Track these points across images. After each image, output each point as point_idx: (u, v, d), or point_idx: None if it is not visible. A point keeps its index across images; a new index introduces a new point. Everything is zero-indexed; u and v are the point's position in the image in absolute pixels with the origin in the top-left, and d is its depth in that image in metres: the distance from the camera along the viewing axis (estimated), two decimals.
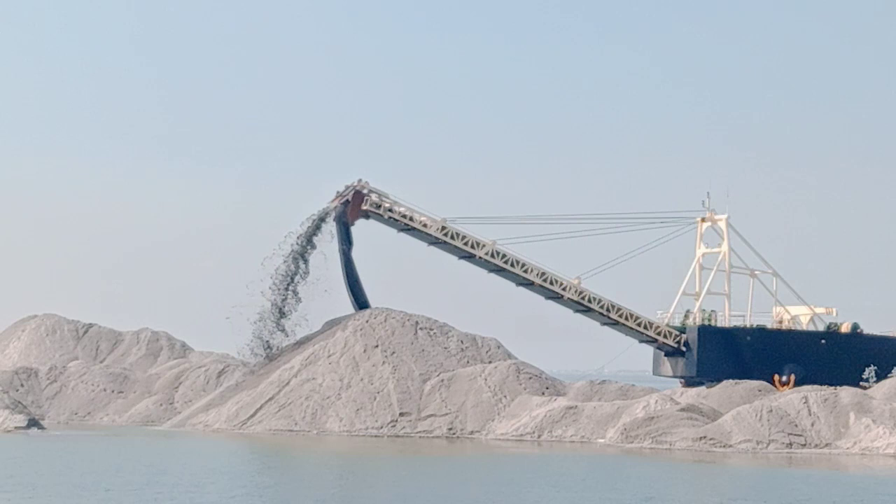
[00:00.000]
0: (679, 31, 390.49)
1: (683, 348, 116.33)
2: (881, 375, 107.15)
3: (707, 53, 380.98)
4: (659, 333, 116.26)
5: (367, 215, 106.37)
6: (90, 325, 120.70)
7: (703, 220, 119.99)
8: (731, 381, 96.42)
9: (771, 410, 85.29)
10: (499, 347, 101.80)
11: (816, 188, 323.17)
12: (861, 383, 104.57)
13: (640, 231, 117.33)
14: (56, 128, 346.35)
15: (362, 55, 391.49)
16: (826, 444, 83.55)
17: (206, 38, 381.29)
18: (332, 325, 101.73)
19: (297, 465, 72.40)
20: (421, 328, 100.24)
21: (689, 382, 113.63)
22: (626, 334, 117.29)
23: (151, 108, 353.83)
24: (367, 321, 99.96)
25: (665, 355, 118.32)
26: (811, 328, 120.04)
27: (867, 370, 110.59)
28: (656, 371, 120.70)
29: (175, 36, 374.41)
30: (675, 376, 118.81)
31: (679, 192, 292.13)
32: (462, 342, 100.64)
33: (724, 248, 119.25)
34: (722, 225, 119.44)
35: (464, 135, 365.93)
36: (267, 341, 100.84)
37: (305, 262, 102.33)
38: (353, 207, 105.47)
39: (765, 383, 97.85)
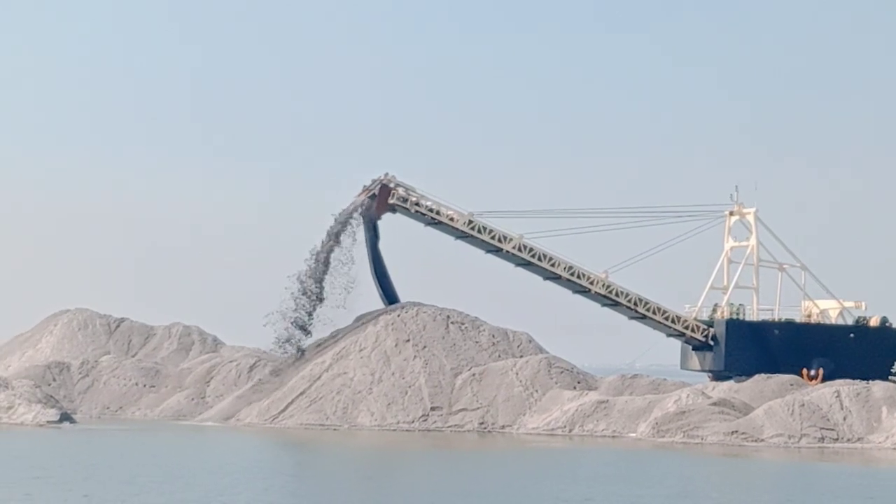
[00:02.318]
0: (708, 22, 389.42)
1: (711, 342, 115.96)
2: None
3: (737, 46, 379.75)
4: (687, 327, 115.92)
5: (393, 209, 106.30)
6: (122, 320, 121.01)
7: (732, 213, 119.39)
8: (762, 375, 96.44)
9: (803, 405, 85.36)
10: (530, 342, 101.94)
11: (846, 181, 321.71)
12: (890, 377, 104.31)
13: (668, 225, 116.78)
14: (89, 124, 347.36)
15: (389, 50, 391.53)
16: (858, 439, 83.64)
17: (234, 35, 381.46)
18: (362, 319, 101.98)
19: (328, 460, 72.71)
20: (452, 322, 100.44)
21: (717, 376, 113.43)
22: (654, 328, 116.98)
23: (183, 104, 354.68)
24: (398, 315, 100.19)
25: (693, 349, 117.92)
26: (840, 322, 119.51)
27: None
28: (684, 365, 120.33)
29: (205, 33, 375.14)
30: (702, 370, 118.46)
31: (707, 185, 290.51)
32: (493, 336, 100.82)
33: (753, 241, 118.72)
34: (750, 218, 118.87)
35: (491, 129, 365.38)
36: (298, 336, 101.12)
37: (334, 256, 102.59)
38: (379, 201, 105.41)
39: (796, 377, 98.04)
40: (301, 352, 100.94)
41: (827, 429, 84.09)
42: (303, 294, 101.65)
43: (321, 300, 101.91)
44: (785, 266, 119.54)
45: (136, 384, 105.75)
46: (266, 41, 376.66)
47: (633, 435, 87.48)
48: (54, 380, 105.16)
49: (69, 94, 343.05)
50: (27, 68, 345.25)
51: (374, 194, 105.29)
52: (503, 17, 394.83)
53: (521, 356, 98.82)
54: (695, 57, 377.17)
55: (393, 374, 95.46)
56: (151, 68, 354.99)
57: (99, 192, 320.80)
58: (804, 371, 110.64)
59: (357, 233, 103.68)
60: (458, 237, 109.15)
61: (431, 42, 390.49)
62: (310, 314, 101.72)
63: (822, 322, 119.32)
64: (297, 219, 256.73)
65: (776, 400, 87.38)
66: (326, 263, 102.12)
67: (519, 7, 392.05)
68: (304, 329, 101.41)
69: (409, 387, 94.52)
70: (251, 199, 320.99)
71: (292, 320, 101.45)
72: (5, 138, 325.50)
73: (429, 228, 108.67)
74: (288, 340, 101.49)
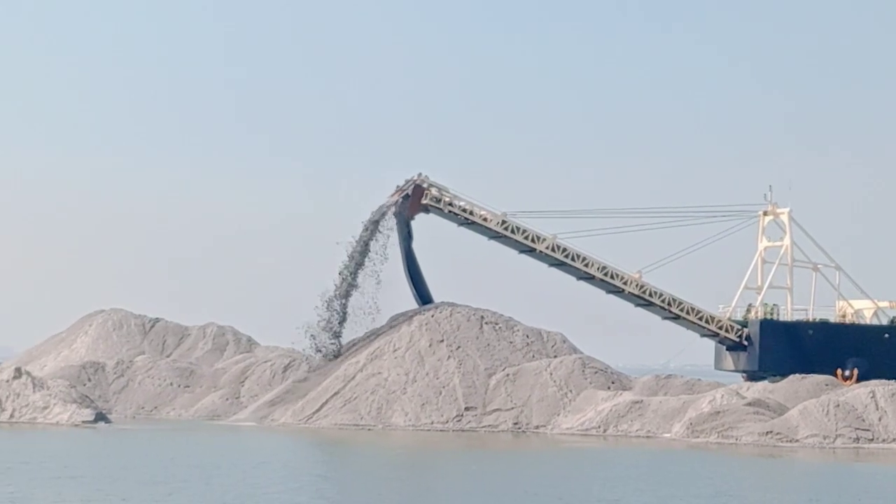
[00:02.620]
0: (739, 20, 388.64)
1: (745, 342, 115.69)
2: None
3: (771, 43, 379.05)
4: (720, 328, 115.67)
5: (426, 209, 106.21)
6: (157, 320, 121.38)
7: (765, 213, 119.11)
8: (797, 375, 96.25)
9: (838, 405, 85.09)
10: (564, 342, 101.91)
11: (880, 180, 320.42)
12: None
13: (702, 225, 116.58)
14: (124, 125, 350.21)
15: (422, 50, 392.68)
16: (894, 439, 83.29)
17: (268, 37, 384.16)
18: (397, 319, 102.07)
19: (362, 460, 72.73)
20: (486, 323, 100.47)
21: (751, 377, 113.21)
22: (688, 328, 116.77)
23: (217, 106, 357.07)
24: (432, 316, 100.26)
25: (727, 349, 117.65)
26: (874, 322, 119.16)
27: None
28: (718, 365, 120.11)
29: (241, 33, 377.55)
30: (736, 371, 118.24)
31: (741, 185, 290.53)
32: (527, 336, 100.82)
33: (787, 241, 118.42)
34: (784, 218, 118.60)
35: (524, 128, 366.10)
36: (331, 336, 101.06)
37: (367, 256, 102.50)
38: (412, 202, 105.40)
39: (831, 378, 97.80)
40: (334, 352, 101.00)
41: (862, 429, 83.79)
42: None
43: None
44: (819, 266, 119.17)
45: (171, 384, 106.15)
46: (300, 42, 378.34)
47: (668, 435, 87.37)
48: (89, 380, 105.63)
49: (109, 98, 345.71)
50: (67, 71, 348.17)
51: (407, 194, 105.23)
52: (536, 15, 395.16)
53: (556, 356, 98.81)
54: (731, 55, 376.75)
55: (427, 374, 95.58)
56: (187, 71, 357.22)
57: (134, 193, 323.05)
58: (838, 371, 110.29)
59: (381, 272, 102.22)
60: (491, 237, 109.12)
61: (464, 41, 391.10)
62: (342, 314, 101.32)
63: (856, 322, 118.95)
64: (333, 219, 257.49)
65: (811, 400, 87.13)
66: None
67: (553, 4, 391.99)
68: (341, 324, 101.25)
69: (444, 387, 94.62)
70: (287, 199, 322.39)
71: (326, 321, 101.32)
72: (45, 141, 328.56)
73: (461, 228, 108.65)
74: (319, 341, 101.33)
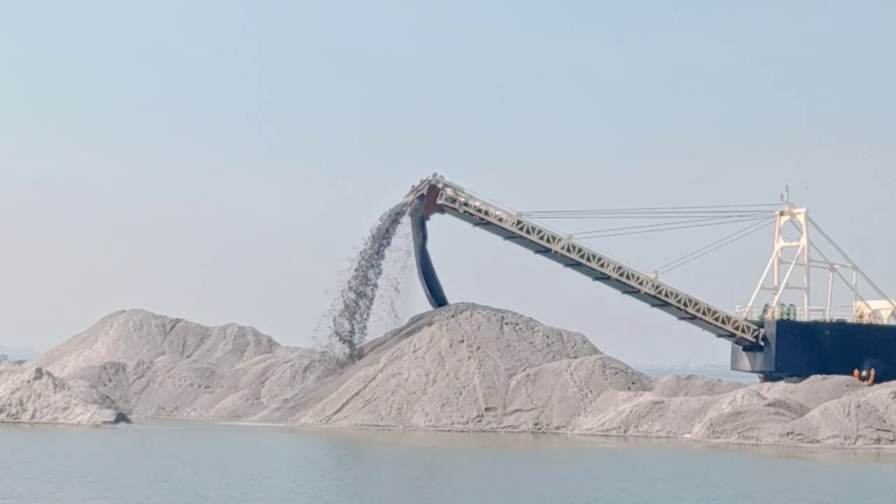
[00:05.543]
0: (756, 19, 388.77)
1: (762, 343, 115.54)
2: None
3: (785, 43, 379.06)
4: (737, 328, 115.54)
5: (442, 209, 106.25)
6: (177, 321, 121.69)
7: (782, 213, 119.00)
8: (818, 376, 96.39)
9: (859, 406, 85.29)
10: (584, 342, 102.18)
11: None
12: None
13: (718, 225, 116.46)
14: (145, 127, 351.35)
15: (440, 51, 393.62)
16: None
17: (289, 36, 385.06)
18: (417, 320, 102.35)
19: (382, 461, 72.96)
20: (506, 323, 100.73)
21: (768, 377, 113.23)
22: (704, 329, 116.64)
23: (237, 106, 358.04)
24: (452, 316, 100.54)
25: (743, 350, 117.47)
26: (892, 322, 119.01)
27: None
28: (734, 366, 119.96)
29: (261, 34, 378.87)
30: (753, 371, 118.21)
31: (757, 185, 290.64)
32: (548, 337, 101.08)
33: (803, 241, 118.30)
34: (801, 218, 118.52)
35: (539, 129, 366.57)
36: (350, 337, 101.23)
37: (383, 257, 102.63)
38: (428, 202, 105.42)
39: (852, 378, 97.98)
40: (354, 353, 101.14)
41: (883, 430, 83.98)
42: (353, 297, 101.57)
43: (373, 300, 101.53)
44: (836, 266, 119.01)
45: (192, 385, 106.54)
46: (318, 43, 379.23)
47: (688, 436, 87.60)
48: (110, 380, 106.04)
49: (131, 99, 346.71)
50: (90, 73, 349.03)
51: (422, 194, 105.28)
52: (553, 15, 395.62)
53: (576, 357, 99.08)
54: (745, 56, 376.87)
55: (447, 374, 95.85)
56: (208, 72, 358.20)
57: (155, 194, 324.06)
58: (855, 372, 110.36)
59: (399, 273, 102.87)
60: (506, 237, 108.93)
61: (481, 42, 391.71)
62: (360, 315, 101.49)
63: (873, 322, 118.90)
64: (354, 220, 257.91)
65: (832, 401, 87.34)
66: (375, 263, 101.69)
67: (570, 5, 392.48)
68: (359, 324, 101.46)
69: (464, 387, 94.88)
70: (308, 200, 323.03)
71: (344, 321, 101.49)
72: (65, 142, 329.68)
73: (476, 229, 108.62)
74: (338, 342, 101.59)
